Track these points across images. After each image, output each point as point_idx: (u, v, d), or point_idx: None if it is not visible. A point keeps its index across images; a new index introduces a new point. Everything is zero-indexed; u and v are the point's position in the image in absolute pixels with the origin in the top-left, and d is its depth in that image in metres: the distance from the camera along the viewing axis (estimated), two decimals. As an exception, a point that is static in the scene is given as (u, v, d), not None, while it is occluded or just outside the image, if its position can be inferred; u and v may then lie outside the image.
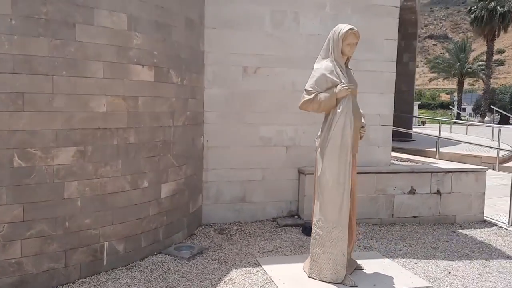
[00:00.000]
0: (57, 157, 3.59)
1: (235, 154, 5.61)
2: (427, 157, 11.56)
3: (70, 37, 3.59)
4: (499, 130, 11.36)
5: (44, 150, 3.53)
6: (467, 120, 29.82)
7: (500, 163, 10.60)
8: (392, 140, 12.82)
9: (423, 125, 28.33)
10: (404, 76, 15.17)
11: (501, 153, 11.56)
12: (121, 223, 4.05)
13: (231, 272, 4.14)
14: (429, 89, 73.64)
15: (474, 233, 5.72)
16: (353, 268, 4.18)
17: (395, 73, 6.07)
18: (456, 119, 34.32)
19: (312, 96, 3.87)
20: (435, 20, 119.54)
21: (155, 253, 4.44)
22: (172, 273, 4.03)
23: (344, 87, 3.79)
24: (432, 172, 6.01)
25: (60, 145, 3.61)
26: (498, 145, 10.69)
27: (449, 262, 4.63)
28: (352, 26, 3.89)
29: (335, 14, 5.79)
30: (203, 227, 5.46)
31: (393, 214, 5.93)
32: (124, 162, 4.04)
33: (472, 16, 38.13)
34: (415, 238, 5.37)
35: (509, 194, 6.05)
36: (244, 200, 5.71)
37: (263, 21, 5.60)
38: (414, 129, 16.63)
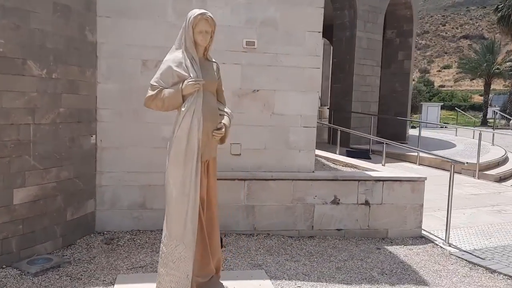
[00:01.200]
0: None
1: (134, 155, 5.10)
2: (406, 161, 10.81)
3: None
4: (480, 134, 10.36)
5: None
6: (493, 124, 27.96)
7: (482, 170, 9.68)
8: (378, 143, 12.13)
9: (445, 128, 26.79)
10: (398, 76, 14.37)
11: (489, 159, 10.64)
12: (-50, 232, 3.61)
13: (74, 291, 3.64)
14: (461, 90, 70.97)
15: (402, 250, 5.03)
16: (215, 291, 3.61)
17: (320, 69, 5.42)
18: (481, 123, 32.66)
19: (155, 92, 3.32)
20: (471, 19, 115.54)
21: (4, 266, 3.98)
22: (4, 291, 3.57)
23: (190, 82, 3.23)
24: (359, 180, 5.34)
25: None
26: (478, 152, 9.73)
27: (343, 286, 3.99)
28: (205, 11, 3.32)
29: (249, 2, 5.20)
30: (92, 235, 4.97)
31: (313, 226, 5.30)
32: (-47, 163, 3.60)
33: (499, 14, 36.31)
34: (325, 255, 4.73)
35: (446, 208, 5.29)
36: (145, 207, 5.19)
37: (165, 9, 5.07)
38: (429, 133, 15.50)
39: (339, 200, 5.32)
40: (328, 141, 12.87)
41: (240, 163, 5.31)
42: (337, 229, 5.35)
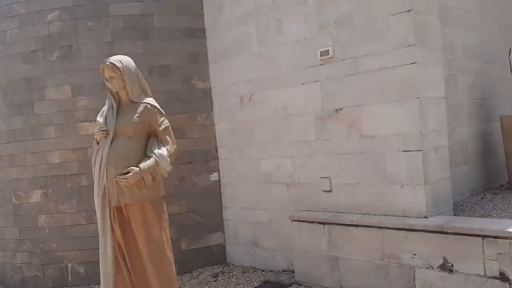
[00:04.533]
0: (31, 197, 5.15)
1: (244, 192, 5.11)
2: None
3: (31, 112, 5.11)
4: None
5: (24, 192, 5.19)
6: None
7: None
8: None
9: None
10: None
11: None
12: (80, 250, 5.05)
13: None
14: None
15: None
16: None
17: (420, 64, 3.59)
18: None
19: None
20: None
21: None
22: (91, 300, 4.64)
23: (95, 131, 3.39)
24: (484, 237, 3.13)
25: (32, 188, 5.14)
26: None
27: None
28: (106, 59, 3.38)
29: (320, 3, 4.21)
30: (216, 267, 5.27)
31: (415, 300, 3.52)
32: (78, 201, 5.04)
33: None
34: None
35: None
36: (256, 244, 5.04)
37: (251, 40, 4.87)
38: None
39: (451, 265, 3.31)
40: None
41: (332, 202, 4.27)
42: (453, 312, 3.32)
